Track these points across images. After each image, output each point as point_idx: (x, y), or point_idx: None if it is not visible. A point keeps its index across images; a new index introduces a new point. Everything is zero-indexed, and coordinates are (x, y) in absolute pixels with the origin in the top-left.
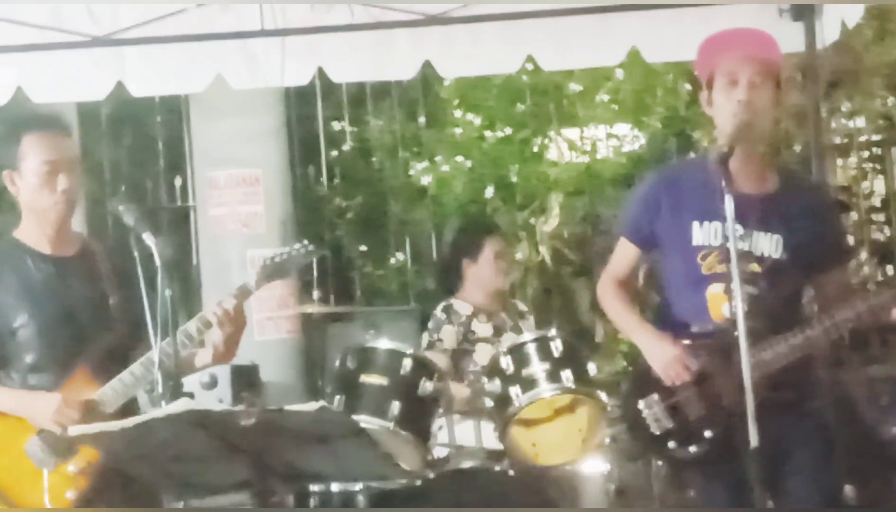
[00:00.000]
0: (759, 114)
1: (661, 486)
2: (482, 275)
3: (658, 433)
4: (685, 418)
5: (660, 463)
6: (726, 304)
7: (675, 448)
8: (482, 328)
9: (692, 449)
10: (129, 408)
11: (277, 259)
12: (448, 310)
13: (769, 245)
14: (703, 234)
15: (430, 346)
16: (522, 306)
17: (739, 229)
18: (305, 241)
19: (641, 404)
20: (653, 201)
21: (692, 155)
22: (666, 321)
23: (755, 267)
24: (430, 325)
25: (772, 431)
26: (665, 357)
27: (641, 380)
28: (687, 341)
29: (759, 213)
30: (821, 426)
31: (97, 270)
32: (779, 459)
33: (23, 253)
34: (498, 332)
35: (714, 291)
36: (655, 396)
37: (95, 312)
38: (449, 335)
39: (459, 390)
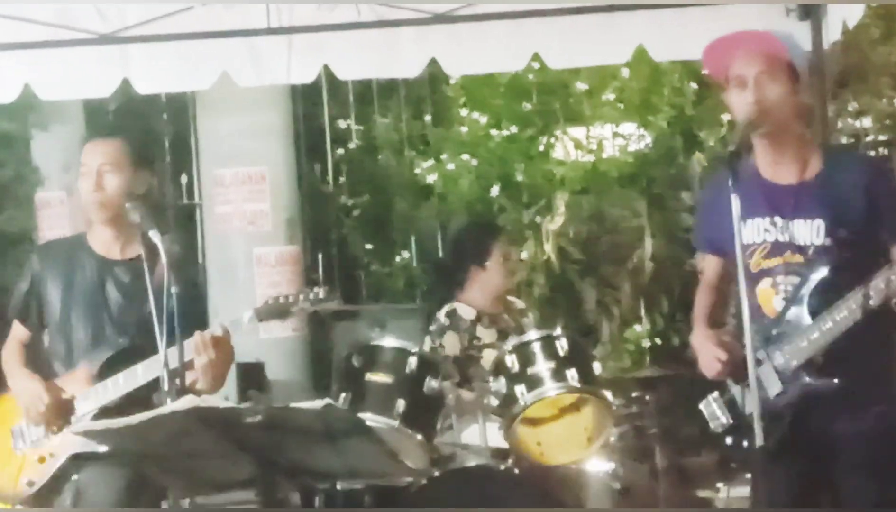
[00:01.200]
0: (771, 108)
1: (666, 485)
2: (491, 279)
3: (718, 430)
4: (740, 413)
5: (733, 465)
6: (775, 297)
7: (733, 444)
8: (487, 334)
9: (745, 444)
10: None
11: (281, 300)
12: (452, 315)
13: (809, 232)
14: (748, 232)
15: (432, 352)
16: (521, 304)
17: (779, 221)
18: (318, 289)
19: (702, 403)
20: (709, 209)
21: (698, 154)
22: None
23: (798, 257)
24: (432, 329)
25: (820, 424)
26: (701, 352)
27: (701, 378)
28: (727, 337)
29: (796, 202)
30: (875, 419)
31: (144, 278)
32: (827, 453)
33: (79, 248)
34: (503, 336)
35: (763, 286)
36: (715, 394)
37: (120, 316)
38: (452, 342)
39: (466, 396)
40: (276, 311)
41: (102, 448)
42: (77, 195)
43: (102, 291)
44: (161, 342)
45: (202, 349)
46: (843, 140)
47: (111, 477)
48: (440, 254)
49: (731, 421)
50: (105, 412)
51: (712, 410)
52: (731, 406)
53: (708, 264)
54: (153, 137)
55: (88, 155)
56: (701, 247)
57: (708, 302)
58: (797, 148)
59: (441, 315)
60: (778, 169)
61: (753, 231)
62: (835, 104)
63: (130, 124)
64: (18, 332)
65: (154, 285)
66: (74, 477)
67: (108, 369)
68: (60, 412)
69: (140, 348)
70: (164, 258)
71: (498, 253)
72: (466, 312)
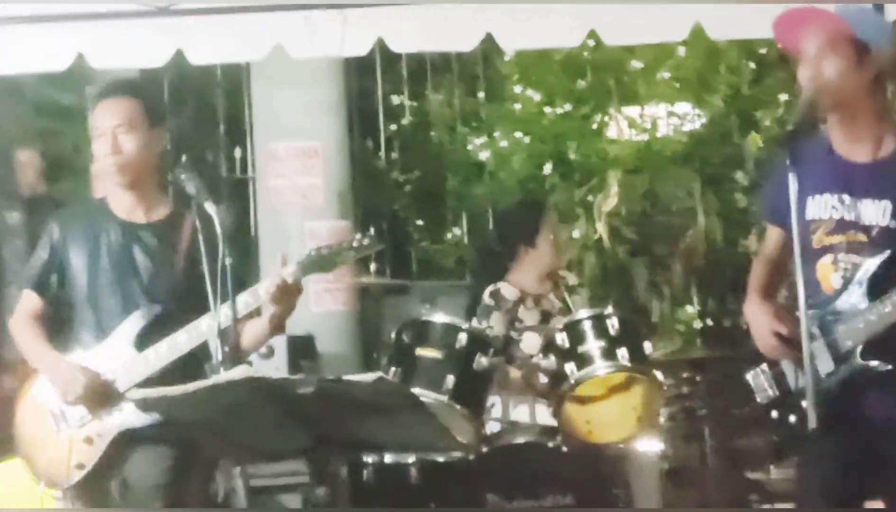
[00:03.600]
0: (834, 83)
1: (715, 466)
2: (541, 258)
3: (763, 402)
4: (787, 388)
5: (775, 438)
6: (834, 274)
7: (777, 418)
8: (529, 316)
9: (792, 419)
10: (190, 374)
11: (324, 251)
12: (496, 295)
13: (876, 212)
14: (814, 207)
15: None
16: (573, 279)
17: (847, 199)
18: (359, 236)
19: (750, 374)
20: (780, 181)
21: (754, 134)
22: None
23: (862, 236)
24: (478, 311)
25: (871, 406)
26: (758, 324)
27: (753, 350)
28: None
29: (866, 180)
30: None
31: (172, 240)
32: (875, 437)
33: (101, 214)
34: (546, 318)
35: (823, 262)
36: (764, 365)
37: (150, 282)
38: (498, 322)
39: (512, 374)
40: (319, 262)
41: (148, 422)
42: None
43: (130, 256)
44: (215, 311)
45: (279, 297)
46: None
47: (160, 456)
48: (487, 235)
49: (777, 394)
50: (149, 383)
51: (760, 381)
52: (780, 380)
53: (769, 235)
54: (161, 96)
55: (101, 116)
56: (765, 217)
57: (764, 274)
58: (870, 125)
59: (486, 296)
60: (851, 146)
61: (820, 206)
62: (891, 86)
63: (140, 82)
64: (30, 303)
65: (183, 250)
66: (123, 460)
67: (144, 338)
68: (100, 392)
69: (174, 315)
70: (218, 230)
71: (547, 230)
72: (510, 292)
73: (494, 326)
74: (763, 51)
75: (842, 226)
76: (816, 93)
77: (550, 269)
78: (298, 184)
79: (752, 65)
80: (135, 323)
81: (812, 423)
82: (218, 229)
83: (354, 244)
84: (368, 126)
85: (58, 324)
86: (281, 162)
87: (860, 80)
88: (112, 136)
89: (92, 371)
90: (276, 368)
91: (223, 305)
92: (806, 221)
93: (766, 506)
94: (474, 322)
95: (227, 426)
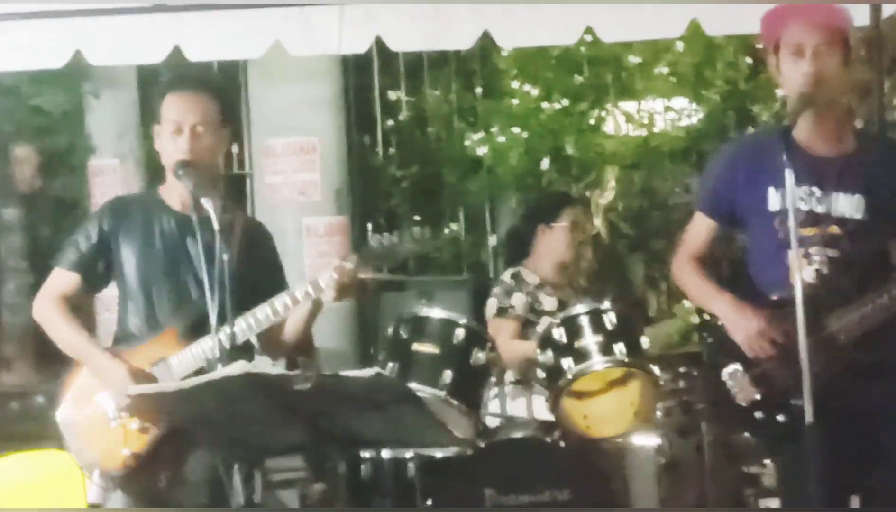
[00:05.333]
0: (826, 80)
1: (712, 460)
2: (554, 243)
3: (745, 404)
4: (771, 387)
5: (746, 434)
6: (807, 268)
7: (763, 418)
8: (548, 301)
9: (780, 419)
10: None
11: (386, 242)
12: (517, 277)
13: (850, 206)
14: (778, 198)
15: (502, 312)
16: (585, 284)
17: (817, 192)
18: (418, 229)
19: (725, 375)
20: (730, 173)
21: (751, 129)
22: (750, 291)
23: (835, 229)
24: (496, 290)
25: (861, 400)
26: (749, 330)
27: (723, 350)
28: (768, 310)
29: (838, 174)
30: None
31: (225, 236)
32: (869, 429)
33: (155, 206)
34: (563, 306)
35: (792, 254)
36: (738, 366)
37: (206, 275)
38: (521, 302)
39: (522, 348)
40: (382, 256)
41: None
42: (128, 158)
43: (184, 248)
44: (211, 306)
45: (342, 289)
46: None
47: (210, 452)
48: (489, 226)
49: (759, 395)
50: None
51: (738, 383)
52: (763, 380)
53: (700, 227)
54: (237, 93)
55: (176, 109)
56: (703, 208)
57: (702, 269)
58: (836, 122)
59: (506, 277)
60: (817, 140)
61: (786, 199)
62: (890, 80)
63: (218, 78)
64: (65, 284)
65: (236, 246)
66: (176, 452)
67: (193, 331)
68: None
69: (224, 309)
70: (216, 226)
71: (568, 216)
72: (530, 277)
73: (516, 305)
74: (760, 46)
75: (812, 218)
76: (811, 88)
77: (563, 258)
78: (296, 180)
79: (749, 60)
80: (185, 316)
81: (809, 417)
82: (215, 225)
83: (416, 237)
84: (366, 122)
85: (87, 308)
86: (278, 158)
87: (847, 78)
88: (191, 134)
89: (140, 374)
90: (272, 363)
91: (261, 306)
92: (770, 213)
93: (763, 500)
94: (493, 303)
95: (224, 422)
